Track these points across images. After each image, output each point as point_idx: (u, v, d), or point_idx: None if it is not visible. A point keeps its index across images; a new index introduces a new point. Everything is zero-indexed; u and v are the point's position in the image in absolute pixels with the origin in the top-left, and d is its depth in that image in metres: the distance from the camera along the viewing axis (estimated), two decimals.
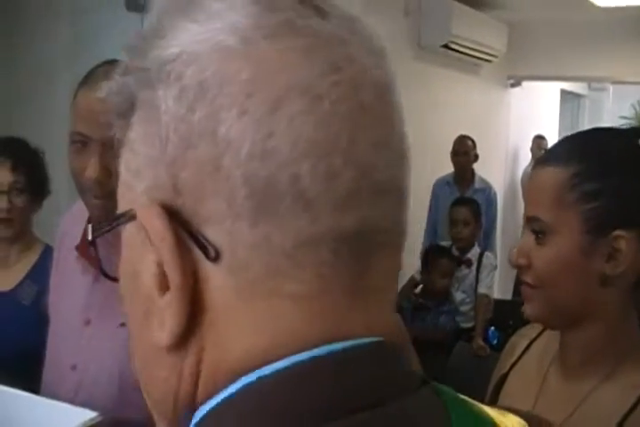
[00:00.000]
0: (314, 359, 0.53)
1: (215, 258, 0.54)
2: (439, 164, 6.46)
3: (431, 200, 6.42)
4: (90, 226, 0.63)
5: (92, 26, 4.08)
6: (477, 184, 6.43)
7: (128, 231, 0.60)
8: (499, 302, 5.60)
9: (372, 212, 0.56)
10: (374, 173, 0.56)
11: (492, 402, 1.48)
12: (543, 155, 1.42)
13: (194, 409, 0.57)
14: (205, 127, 0.54)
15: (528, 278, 1.35)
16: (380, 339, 0.57)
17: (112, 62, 1.77)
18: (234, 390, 0.54)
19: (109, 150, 1.66)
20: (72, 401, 1.80)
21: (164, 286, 0.55)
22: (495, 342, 4.95)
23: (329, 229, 0.54)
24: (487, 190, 6.48)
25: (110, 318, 1.78)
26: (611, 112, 11.84)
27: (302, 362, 0.53)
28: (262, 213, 0.53)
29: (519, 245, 1.36)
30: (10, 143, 2.72)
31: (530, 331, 1.56)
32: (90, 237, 0.63)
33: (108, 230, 0.62)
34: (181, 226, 0.55)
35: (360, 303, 0.56)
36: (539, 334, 1.53)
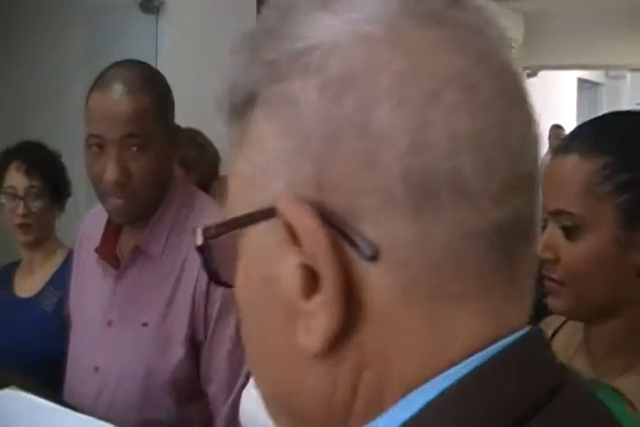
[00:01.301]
0: (490, 361, 0.51)
1: (373, 257, 0.50)
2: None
3: None
4: (200, 229, 0.57)
5: (107, 28, 4.08)
6: None
7: (255, 234, 0.56)
8: None
9: (522, 202, 0.54)
10: (522, 163, 0.54)
11: None
12: (563, 142, 1.34)
13: (355, 421, 0.54)
14: (355, 120, 0.51)
15: (554, 274, 1.29)
16: (531, 328, 0.55)
17: (122, 64, 1.77)
18: (420, 406, 0.50)
19: (127, 151, 1.66)
20: (95, 403, 1.81)
21: (310, 290, 0.51)
22: None
23: (489, 222, 0.51)
24: None
25: (132, 319, 1.79)
26: (629, 99, 11.80)
27: (479, 366, 0.51)
28: (422, 208, 0.50)
29: (545, 240, 1.29)
30: (25, 147, 2.68)
31: (554, 320, 1.50)
32: (199, 242, 0.57)
33: (226, 232, 0.57)
34: (331, 223, 0.51)
35: (513, 296, 0.54)
36: (563, 324, 1.48)
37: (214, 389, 1.76)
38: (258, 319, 0.58)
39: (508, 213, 0.52)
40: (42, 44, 4.36)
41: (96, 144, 1.66)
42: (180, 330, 1.73)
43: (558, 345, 1.44)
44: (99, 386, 1.82)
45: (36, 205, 2.58)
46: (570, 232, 1.24)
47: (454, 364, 0.50)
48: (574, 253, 1.24)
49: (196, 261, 1.70)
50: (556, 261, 1.27)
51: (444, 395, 0.50)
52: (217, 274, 0.60)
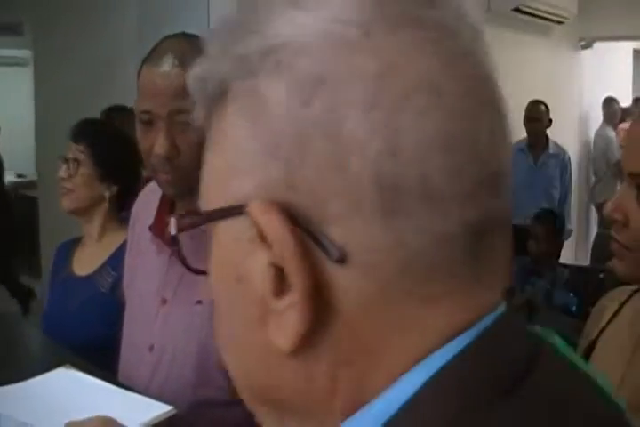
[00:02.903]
0: (466, 348, 0.54)
1: (341, 260, 0.52)
2: (514, 129, 6.38)
3: None
4: (173, 219, 0.60)
5: (159, 7, 4.09)
6: (552, 149, 6.34)
7: (225, 229, 0.58)
8: (576, 269, 5.52)
9: (492, 201, 0.55)
10: (492, 164, 0.55)
11: None
12: None
13: (339, 413, 0.56)
14: (325, 123, 0.51)
15: (622, 238, 1.26)
16: (503, 310, 0.57)
17: (174, 37, 1.76)
18: (412, 391, 0.53)
19: (176, 126, 1.66)
20: (149, 381, 1.82)
21: (280, 289, 0.53)
22: (574, 308, 4.88)
23: (459, 224, 0.53)
24: (561, 155, 6.39)
25: (186, 297, 1.79)
26: None
27: (458, 353, 0.54)
28: (392, 212, 0.51)
29: (616, 199, 1.25)
30: (87, 125, 2.72)
31: (620, 294, 1.47)
32: (173, 231, 0.60)
33: (198, 225, 0.59)
34: (300, 226, 0.52)
35: (483, 291, 0.56)
36: (630, 297, 1.44)
37: None
38: (231, 313, 0.60)
39: (478, 215, 0.54)
40: (94, 25, 4.38)
41: (146, 120, 1.66)
42: None
43: (625, 318, 1.40)
44: (153, 365, 1.83)
45: (78, 170, 2.59)
46: None
47: (426, 357, 0.53)
48: None
49: None
50: (625, 224, 1.23)
51: (433, 378, 0.53)
52: (187, 263, 0.64)
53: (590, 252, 7.40)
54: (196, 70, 0.59)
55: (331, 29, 0.53)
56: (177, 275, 1.80)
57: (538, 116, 6.20)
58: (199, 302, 1.76)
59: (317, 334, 0.54)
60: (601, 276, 4.78)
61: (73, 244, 2.78)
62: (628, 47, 10.43)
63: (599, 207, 7.01)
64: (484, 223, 0.54)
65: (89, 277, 2.61)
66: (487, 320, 0.55)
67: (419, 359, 0.53)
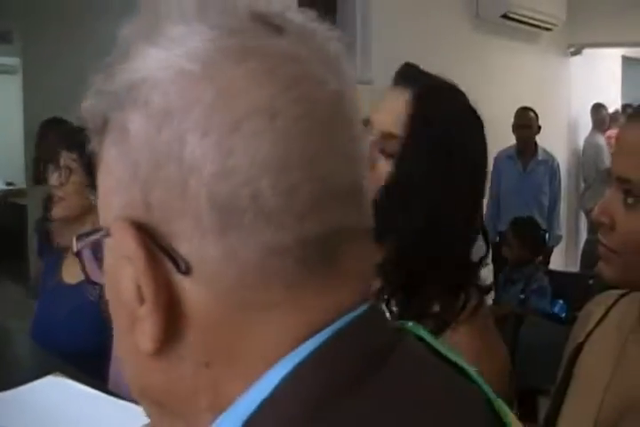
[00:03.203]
0: (320, 346, 0.59)
1: (186, 271, 0.58)
2: (500, 136, 6.40)
3: (493, 174, 6.35)
4: (75, 238, 0.66)
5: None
6: (540, 156, 6.36)
7: (107, 245, 0.64)
8: (564, 275, 5.53)
9: (335, 216, 0.60)
10: (334, 181, 0.60)
11: (567, 374, 1.42)
12: None
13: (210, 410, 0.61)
14: (172, 149, 0.57)
15: (608, 242, 1.26)
16: (363, 310, 0.62)
17: None
18: (269, 389, 0.58)
19: None
20: None
21: (141, 298, 0.59)
22: (563, 315, 4.89)
23: (292, 239, 0.58)
24: (550, 162, 6.41)
25: None
26: None
27: (311, 353, 0.59)
28: (227, 228, 0.57)
29: (603, 202, 1.26)
30: (79, 133, 2.69)
31: (606, 298, 1.47)
32: (75, 249, 0.66)
33: (86, 245, 0.66)
34: (153, 242, 0.59)
35: (339, 294, 0.62)
36: (616, 301, 1.44)
37: None
38: (115, 320, 0.66)
39: (316, 228, 0.59)
40: (81, 27, 4.37)
41: None
42: None
43: (611, 322, 1.40)
44: None
45: (70, 178, 2.58)
46: (629, 200, 1.20)
47: (287, 353, 0.59)
48: (631, 224, 1.20)
49: None
50: (612, 227, 1.23)
51: (289, 376, 0.58)
52: (90, 278, 0.69)
53: (580, 258, 7.42)
54: (84, 105, 0.65)
55: (178, 65, 0.58)
56: None
57: (527, 122, 6.22)
58: None
59: (175, 339, 0.60)
60: (590, 282, 4.79)
61: (61, 254, 2.76)
62: (616, 54, 10.46)
63: (589, 214, 7.02)
64: (324, 237, 0.59)
65: (78, 286, 2.59)
66: (345, 319, 0.60)
67: (276, 359, 0.59)
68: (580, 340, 1.45)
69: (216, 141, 0.56)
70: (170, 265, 0.59)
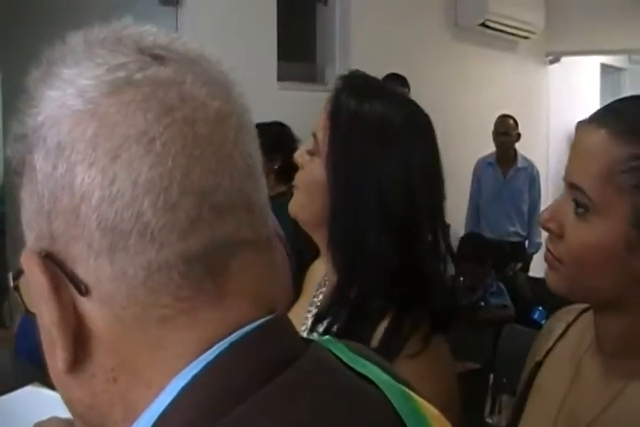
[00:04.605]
0: (216, 357, 0.62)
1: (85, 293, 0.62)
2: (479, 143, 6.42)
3: (473, 181, 6.38)
4: (10, 275, 0.69)
5: (127, 22, 4.08)
6: (520, 163, 6.38)
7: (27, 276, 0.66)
8: (544, 282, 5.52)
9: (220, 230, 0.63)
10: (215, 196, 0.62)
11: (526, 390, 1.38)
12: (599, 111, 1.21)
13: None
14: (66, 181, 0.61)
15: (554, 250, 1.21)
16: (263, 321, 0.65)
17: None
18: (170, 398, 0.61)
19: None
20: None
21: (51, 322, 0.63)
22: (543, 321, 4.89)
23: (176, 255, 0.61)
24: (530, 169, 6.43)
25: None
26: None
27: (207, 365, 0.61)
28: (115, 249, 0.60)
29: (554, 208, 1.21)
30: None
31: (566, 315, 1.42)
32: (11, 284, 0.69)
33: (15, 281, 0.68)
34: (58, 268, 0.63)
35: (237, 306, 0.64)
36: (576, 318, 1.39)
37: None
38: (43, 344, 0.68)
39: (199, 244, 0.62)
40: (58, 38, 4.36)
41: None
42: None
43: (570, 340, 1.37)
44: None
45: None
46: (579, 210, 1.15)
47: (187, 365, 0.62)
48: (579, 235, 1.16)
49: None
50: (560, 235, 1.18)
51: (185, 387, 0.61)
52: (27, 309, 0.69)
53: None
54: (6, 152, 0.68)
55: (67, 104, 0.62)
56: None
57: (506, 130, 6.24)
58: None
59: (84, 357, 0.64)
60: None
61: None
62: (594, 61, 10.53)
63: None
64: (216, 250, 0.63)
65: None
66: (241, 332, 0.63)
67: (177, 372, 0.62)
68: (540, 358, 1.41)
69: (101, 170, 0.60)
70: (73, 289, 0.62)
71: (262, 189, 0.68)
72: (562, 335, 1.40)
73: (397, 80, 5.06)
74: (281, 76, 4.96)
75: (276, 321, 0.66)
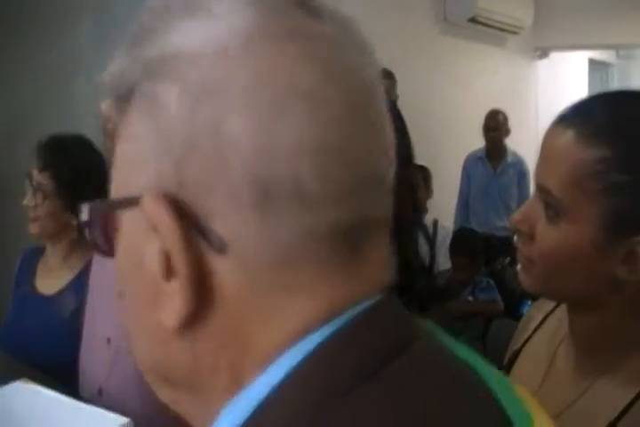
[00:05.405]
0: (332, 335, 0.58)
1: (221, 249, 0.57)
2: (468, 138, 6.42)
3: (463, 176, 6.39)
4: (86, 206, 0.64)
5: (113, 23, 4.06)
6: (510, 158, 6.39)
7: (128, 217, 0.62)
8: None
9: (365, 204, 0.60)
10: (366, 169, 0.60)
11: None
12: (568, 111, 1.20)
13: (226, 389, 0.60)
14: (209, 126, 0.56)
15: (527, 251, 1.20)
16: (377, 300, 0.62)
17: None
18: (282, 374, 0.57)
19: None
20: (109, 372, 1.83)
21: (169, 273, 0.58)
22: None
23: (327, 223, 0.58)
24: (519, 164, 6.44)
25: None
26: None
27: (330, 335, 0.58)
28: (265, 208, 0.56)
29: (524, 210, 1.20)
30: (51, 142, 2.63)
31: (546, 304, 1.42)
32: (85, 218, 0.65)
33: (106, 213, 0.65)
34: (187, 218, 0.57)
35: (359, 282, 0.61)
36: (554, 307, 1.39)
37: None
38: (133, 297, 0.65)
39: (350, 215, 0.59)
40: (44, 36, 4.34)
41: None
42: None
43: (547, 330, 1.37)
44: (112, 357, 1.85)
45: (44, 201, 2.56)
46: (549, 213, 1.14)
47: (303, 338, 0.58)
48: (549, 237, 1.15)
49: None
50: (531, 236, 1.18)
51: (300, 364, 0.57)
52: (100, 247, 0.66)
53: None
54: (110, 70, 0.63)
55: (219, 42, 0.57)
56: None
57: (496, 125, 6.25)
58: None
59: (200, 317, 0.59)
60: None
61: (37, 254, 2.74)
62: (583, 56, 10.55)
63: None
64: (357, 222, 0.59)
65: (51, 299, 2.56)
66: (358, 309, 0.60)
67: (289, 345, 0.58)
68: (517, 347, 1.41)
69: (257, 121, 0.56)
70: (202, 242, 0.57)
71: (393, 168, 0.64)
72: (540, 324, 1.40)
73: (383, 74, 5.06)
74: None
75: (392, 301, 0.63)
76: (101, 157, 2.48)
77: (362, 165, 0.59)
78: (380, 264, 0.63)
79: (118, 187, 0.65)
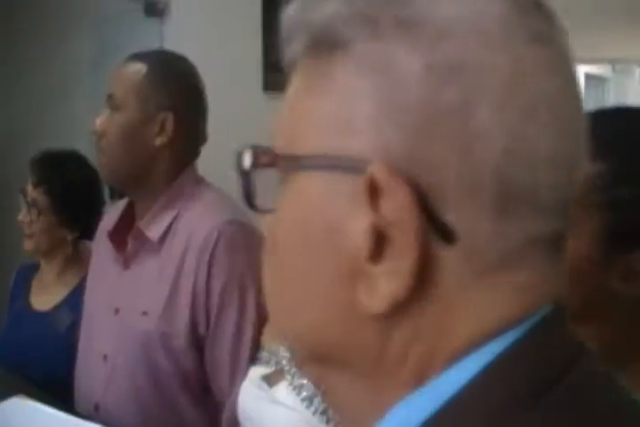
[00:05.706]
0: (519, 340, 0.56)
1: (450, 240, 0.54)
2: None
3: None
4: (249, 151, 0.59)
5: (112, 33, 4.07)
6: None
7: (316, 179, 0.58)
8: None
9: (565, 217, 0.60)
10: (577, 182, 0.60)
11: None
12: None
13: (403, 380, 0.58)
14: (456, 110, 0.53)
15: None
16: (553, 307, 0.60)
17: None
18: (475, 372, 0.55)
19: (107, 108, 1.88)
20: (105, 390, 1.83)
21: (377, 253, 0.55)
22: None
23: (550, 230, 0.58)
24: None
25: (134, 307, 1.83)
26: (636, 94, 11.74)
27: (520, 338, 0.56)
28: (503, 209, 0.55)
29: None
30: (46, 158, 2.64)
31: None
32: (246, 164, 0.60)
33: (277, 166, 0.60)
34: (423, 201, 0.54)
35: (548, 289, 0.60)
36: None
37: (219, 381, 1.80)
38: (304, 265, 0.60)
39: (564, 223, 0.59)
40: (46, 49, 4.35)
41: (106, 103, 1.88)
42: (181, 321, 1.76)
43: None
44: (108, 373, 1.84)
45: (39, 217, 2.56)
46: None
47: (494, 339, 0.56)
48: None
49: (196, 251, 1.72)
50: None
51: (487, 367, 0.55)
52: (253, 201, 0.61)
53: None
54: (319, 12, 0.58)
55: (477, 22, 0.54)
56: (128, 284, 1.85)
57: None
58: (145, 313, 1.79)
59: (407, 305, 0.55)
60: None
61: (32, 271, 2.74)
62: (579, 71, 10.57)
63: None
64: (565, 231, 0.60)
65: (46, 315, 2.57)
66: (538, 315, 0.58)
67: (479, 345, 0.56)
68: None
69: (509, 122, 0.54)
70: (432, 229, 0.54)
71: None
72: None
73: None
74: (266, 86, 4.96)
75: (561, 308, 0.61)
76: (96, 172, 2.45)
77: (575, 179, 0.60)
78: (563, 272, 0.62)
79: (304, 142, 0.59)
